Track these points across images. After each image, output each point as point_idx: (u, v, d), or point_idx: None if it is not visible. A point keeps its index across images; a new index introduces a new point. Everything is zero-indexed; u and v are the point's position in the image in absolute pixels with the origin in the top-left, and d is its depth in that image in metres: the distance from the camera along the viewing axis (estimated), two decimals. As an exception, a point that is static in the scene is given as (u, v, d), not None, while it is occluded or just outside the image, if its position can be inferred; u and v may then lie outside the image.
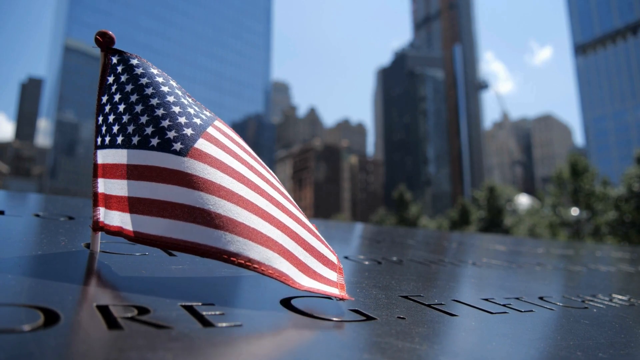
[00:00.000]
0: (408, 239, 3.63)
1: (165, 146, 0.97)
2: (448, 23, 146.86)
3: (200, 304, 0.82)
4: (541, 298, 1.43)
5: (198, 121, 1.05)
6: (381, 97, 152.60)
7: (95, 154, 1.07)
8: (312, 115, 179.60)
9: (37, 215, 1.92)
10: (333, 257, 1.15)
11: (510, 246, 4.33)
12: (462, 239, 5.16)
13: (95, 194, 1.07)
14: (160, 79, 1.08)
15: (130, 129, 1.01)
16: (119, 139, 1.02)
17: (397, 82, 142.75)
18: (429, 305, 1.09)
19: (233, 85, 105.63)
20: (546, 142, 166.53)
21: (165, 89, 1.06)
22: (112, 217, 1.05)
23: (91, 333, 0.62)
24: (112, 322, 0.66)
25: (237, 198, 0.97)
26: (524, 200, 46.36)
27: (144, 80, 1.05)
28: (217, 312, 0.78)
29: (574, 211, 28.99)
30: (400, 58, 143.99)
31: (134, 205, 0.99)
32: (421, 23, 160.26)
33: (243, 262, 0.89)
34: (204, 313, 0.76)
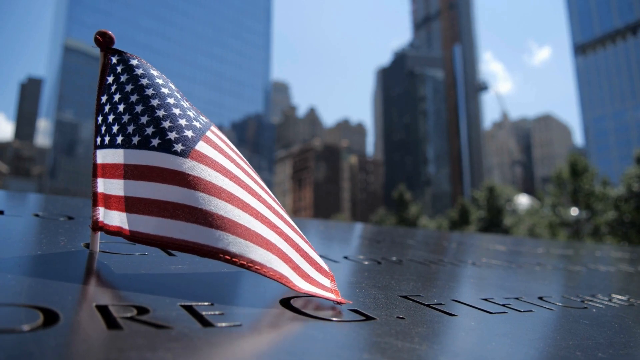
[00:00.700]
0: (408, 239, 3.63)
1: (166, 147, 0.98)
2: (448, 23, 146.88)
3: (199, 304, 0.82)
4: (541, 298, 1.43)
5: (198, 124, 1.06)
6: (381, 97, 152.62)
7: (94, 154, 1.07)
8: (312, 115, 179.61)
9: (37, 215, 1.92)
10: (324, 265, 1.16)
11: (510, 246, 4.33)
12: (462, 239, 5.16)
13: (95, 194, 1.07)
14: (160, 81, 1.08)
15: (131, 129, 1.01)
16: (119, 139, 1.02)
17: (397, 82, 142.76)
18: (428, 305, 1.09)
19: (233, 85, 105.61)
20: (546, 142, 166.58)
21: (165, 90, 1.06)
22: (111, 217, 1.05)
23: (91, 333, 0.62)
24: (111, 322, 0.66)
25: (238, 201, 0.97)
26: (523, 200, 46.37)
27: (144, 81, 1.05)
28: (217, 312, 0.78)
29: (574, 211, 29.00)
30: (400, 58, 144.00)
31: (133, 205, 0.99)
32: (421, 23, 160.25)
33: (245, 263, 0.90)
34: (204, 313, 0.76)
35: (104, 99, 1.07)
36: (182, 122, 1.02)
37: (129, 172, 1.00)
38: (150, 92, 1.04)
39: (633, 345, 1.02)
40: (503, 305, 1.23)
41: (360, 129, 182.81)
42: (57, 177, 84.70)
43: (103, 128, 1.06)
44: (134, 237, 0.99)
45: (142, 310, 0.73)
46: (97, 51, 1.08)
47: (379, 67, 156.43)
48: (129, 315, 0.70)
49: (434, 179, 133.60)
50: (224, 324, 0.73)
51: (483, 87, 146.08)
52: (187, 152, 0.98)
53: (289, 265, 0.98)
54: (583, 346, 0.92)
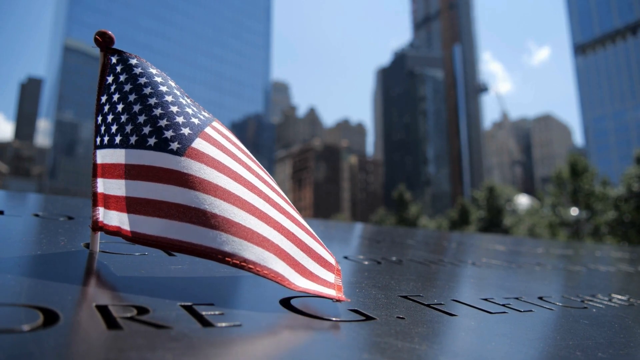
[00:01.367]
0: (408, 239, 3.63)
1: (162, 146, 0.97)
2: (448, 23, 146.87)
3: (199, 304, 0.82)
4: (541, 298, 1.43)
5: (196, 121, 1.05)
6: (381, 97, 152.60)
7: (94, 154, 1.07)
8: (312, 115, 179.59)
9: (37, 215, 1.92)
10: (331, 259, 1.15)
11: (510, 246, 4.33)
12: (462, 239, 5.16)
13: (95, 194, 1.07)
14: (158, 79, 1.08)
15: (128, 128, 1.01)
16: (117, 139, 1.02)
17: (396, 82, 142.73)
18: (428, 305, 1.09)
19: (233, 85, 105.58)
20: (546, 142, 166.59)
21: (163, 88, 1.06)
22: (110, 217, 1.05)
23: (91, 333, 0.62)
24: (111, 322, 0.66)
25: (234, 198, 0.96)
26: (523, 200, 46.39)
27: (142, 80, 1.05)
28: (217, 312, 0.78)
29: (574, 211, 29.00)
30: (400, 58, 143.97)
31: (131, 205, 0.99)
32: (421, 23, 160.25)
33: (238, 262, 0.89)
34: (204, 313, 0.76)
35: (103, 99, 1.07)
36: (180, 119, 1.02)
37: (127, 172, 1.00)
38: (148, 90, 1.04)
39: (633, 345, 1.02)
40: (503, 305, 1.23)
41: (360, 129, 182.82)
42: (57, 177, 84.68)
43: (102, 128, 1.06)
44: (132, 238, 0.99)
45: (142, 310, 0.73)
46: (97, 51, 1.08)
47: (379, 67, 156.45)
48: (128, 315, 0.70)
49: (434, 179, 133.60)
50: (224, 324, 0.72)
51: (483, 89, 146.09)
52: (183, 151, 0.97)
53: (286, 262, 0.97)
54: (583, 346, 0.92)
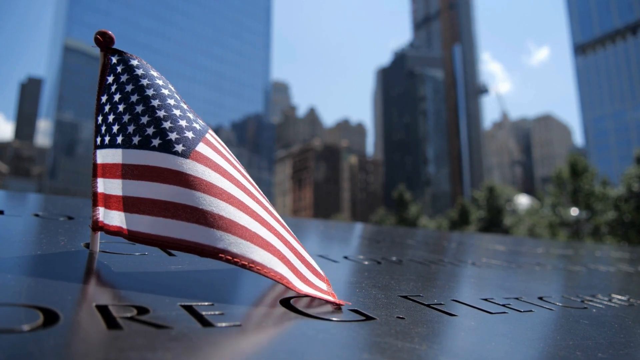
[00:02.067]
0: (407, 239, 3.63)
1: (167, 147, 0.98)
2: (448, 23, 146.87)
3: (199, 303, 0.82)
4: (540, 298, 1.43)
5: (197, 126, 1.06)
6: (381, 97, 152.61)
7: (94, 154, 1.07)
8: (312, 115, 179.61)
9: (37, 215, 1.92)
10: (319, 269, 1.16)
11: (510, 246, 4.33)
12: (462, 239, 5.16)
13: (95, 194, 1.07)
14: (160, 82, 1.08)
15: (131, 129, 1.01)
16: (119, 139, 1.02)
17: (396, 82, 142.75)
18: (428, 305, 1.09)
19: (233, 85, 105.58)
20: (546, 142, 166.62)
21: (165, 91, 1.07)
22: (111, 217, 1.05)
23: (91, 333, 0.62)
24: (111, 322, 0.66)
25: (238, 202, 0.98)
26: (523, 200, 46.38)
27: (144, 82, 1.05)
28: (217, 312, 0.78)
29: (574, 211, 29.00)
30: (400, 58, 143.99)
31: (134, 205, 0.99)
32: (421, 23, 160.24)
33: (246, 263, 0.91)
34: (204, 313, 0.76)
35: (104, 99, 1.07)
36: (183, 123, 1.03)
37: (130, 172, 1.00)
38: (150, 92, 1.04)
39: (633, 345, 1.02)
40: (503, 305, 1.23)
41: (360, 129, 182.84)
42: (57, 177, 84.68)
43: (103, 128, 1.06)
44: (134, 237, 0.99)
45: (142, 310, 0.73)
46: (97, 51, 1.08)
47: (379, 67, 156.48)
48: (129, 315, 0.70)
49: (434, 179, 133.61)
50: (224, 324, 0.72)
51: (483, 90, 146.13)
52: (188, 153, 0.98)
53: (288, 266, 0.99)
54: (583, 346, 0.92)
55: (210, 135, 1.09)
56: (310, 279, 1.06)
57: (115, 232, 1.03)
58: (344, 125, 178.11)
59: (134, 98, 1.03)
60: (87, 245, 1.23)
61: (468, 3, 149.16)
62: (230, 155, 1.14)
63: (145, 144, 0.99)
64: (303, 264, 1.08)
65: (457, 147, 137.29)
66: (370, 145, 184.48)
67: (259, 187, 1.17)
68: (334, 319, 0.86)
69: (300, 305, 0.93)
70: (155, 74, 1.09)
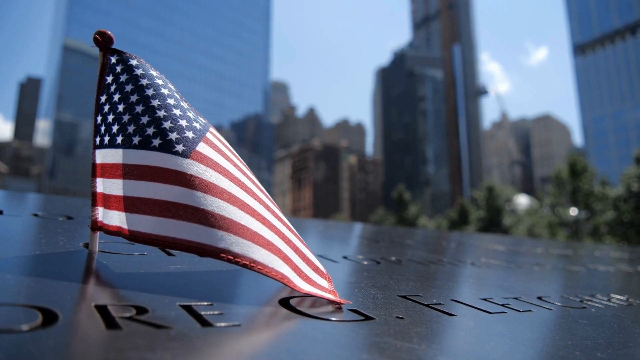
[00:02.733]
0: (407, 239, 3.63)
1: (167, 147, 0.98)
2: (447, 23, 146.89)
3: (198, 303, 0.82)
4: (540, 298, 1.43)
5: (197, 125, 1.06)
6: (380, 97, 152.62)
7: (94, 154, 1.07)
8: (312, 115, 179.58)
9: (36, 215, 1.91)
10: (321, 267, 1.16)
11: (509, 246, 4.33)
12: (461, 238, 5.17)
13: (94, 194, 1.07)
14: (160, 81, 1.08)
15: (131, 129, 1.01)
16: (119, 139, 1.02)
17: (396, 82, 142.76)
18: (427, 305, 1.09)
19: (232, 85, 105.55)
20: (545, 142, 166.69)
21: (165, 91, 1.06)
22: (111, 216, 1.05)
23: (90, 333, 0.62)
24: (110, 322, 0.66)
25: (239, 202, 0.98)
26: (523, 200, 46.40)
27: (144, 81, 1.05)
28: (216, 312, 0.78)
29: (573, 211, 29.01)
30: (400, 58, 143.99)
31: (134, 204, 0.99)
32: (420, 23, 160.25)
33: (247, 263, 0.91)
34: (203, 313, 0.76)
35: (103, 98, 1.07)
36: (183, 123, 1.03)
37: (130, 172, 1.00)
38: (150, 92, 1.04)
39: (632, 345, 1.02)
40: (502, 305, 1.23)
41: (359, 129, 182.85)
42: (56, 177, 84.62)
43: (102, 128, 1.06)
44: (134, 237, 0.99)
45: (141, 310, 0.73)
46: (96, 51, 1.08)
47: (379, 67, 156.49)
48: (128, 315, 0.70)
49: (433, 178, 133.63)
50: (223, 324, 0.73)
51: (483, 92, 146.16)
52: (188, 153, 0.98)
53: (289, 266, 0.99)
54: (582, 346, 0.92)
55: (211, 134, 1.09)
56: (312, 277, 1.06)
57: (115, 232, 1.03)
58: (343, 125, 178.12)
59: (133, 98, 1.03)
60: (86, 245, 1.23)
61: (467, 3, 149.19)
62: (232, 153, 1.14)
63: (145, 144, 0.99)
64: (305, 262, 1.08)
65: (456, 147, 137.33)
66: (370, 145, 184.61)
67: None
68: (333, 318, 0.86)
69: (300, 305, 0.93)
70: (154, 73, 1.09)
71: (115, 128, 1.03)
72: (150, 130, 1.00)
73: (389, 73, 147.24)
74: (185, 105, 1.10)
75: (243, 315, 0.81)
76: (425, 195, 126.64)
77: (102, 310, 0.71)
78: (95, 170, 1.07)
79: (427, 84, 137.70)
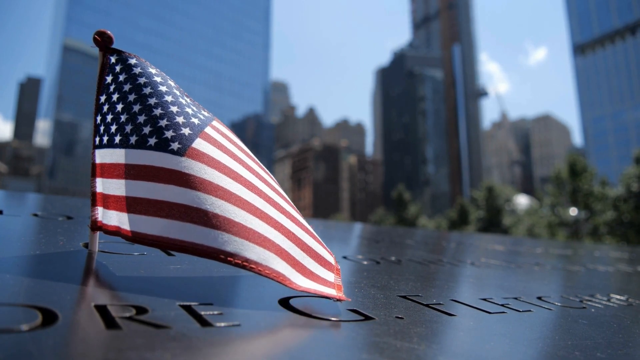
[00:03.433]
0: (407, 239, 3.63)
1: (163, 146, 0.97)
2: (447, 23, 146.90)
3: (198, 303, 0.82)
4: (539, 298, 1.43)
5: (196, 121, 1.05)
6: (380, 97, 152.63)
7: (93, 154, 1.07)
8: (311, 115, 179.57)
9: (36, 215, 1.91)
10: (330, 258, 1.15)
11: (509, 246, 4.33)
12: (461, 238, 5.17)
13: (94, 194, 1.07)
14: (158, 79, 1.08)
15: (128, 128, 1.01)
16: (117, 139, 1.02)
17: (396, 82, 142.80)
18: (427, 305, 1.09)
19: (232, 85, 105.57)
20: (545, 142, 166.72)
21: (163, 88, 1.06)
22: (110, 216, 1.05)
23: (89, 333, 0.62)
24: (110, 322, 0.66)
25: (235, 198, 0.96)
26: (522, 200, 46.42)
27: (141, 80, 1.05)
28: (216, 312, 0.78)
29: (573, 211, 29.02)
30: (400, 58, 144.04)
31: (131, 205, 0.99)
32: (420, 23, 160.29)
33: (240, 262, 0.89)
34: (203, 313, 0.76)
35: (102, 98, 1.07)
36: (180, 119, 1.02)
37: (127, 171, 1.00)
38: (147, 90, 1.04)
39: (632, 345, 1.02)
40: (502, 305, 1.23)
41: (359, 129, 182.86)
42: (56, 176, 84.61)
43: (102, 128, 1.06)
44: (132, 237, 0.99)
45: (140, 310, 0.73)
46: (96, 51, 1.08)
47: (379, 67, 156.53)
48: (127, 315, 0.70)
49: (433, 178, 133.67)
50: (222, 324, 0.72)
51: (483, 93, 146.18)
52: (184, 151, 0.97)
53: (287, 262, 0.97)
54: (582, 346, 0.92)
55: (212, 128, 1.07)
56: (315, 271, 1.04)
57: (114, 232, 1.03)
58: (343, 125, 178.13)
59: (131, 97, 1.03)
60: (86, 245, 1.23)
61: (467, 3, 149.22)
62: (236, 145, 1.11)
63: (141, 144, 0.99)
64: (309, 256, 1.05)
65: (456, 147, 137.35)
66: (370, 145, 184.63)
67: None
68: (332, 318, 0.86)
69: (300, 305, 0.93)
70: (153, 71, 1.09)
71: (113, 128, 1.03)
72: (147, 129, 0.99)
73: (388, 73, 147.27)
74: (184, 101, 1.08)
75: (243, 315, 0.81)
76: (425, 195, 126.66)
77: (102, 310, 0.71)
78: (95, 170, 1.07)
79: (427, 84, 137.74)
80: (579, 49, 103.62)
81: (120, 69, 1.07)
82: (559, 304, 1.38)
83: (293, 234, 1.05)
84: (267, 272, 0.91)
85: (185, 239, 0.91)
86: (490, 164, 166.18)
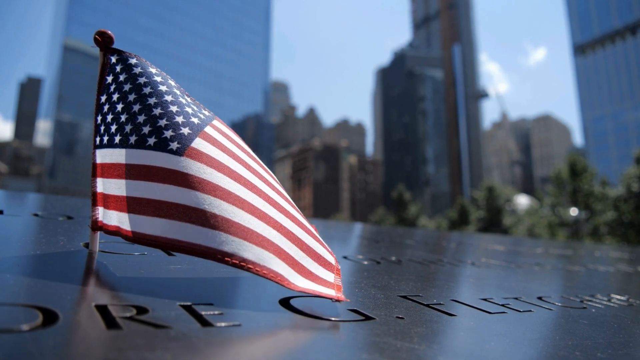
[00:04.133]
0: (407, 239, 3.63)
1: (162, 145, 0.97)
2: (447, 23, 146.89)
3: (199, 303, 0.82)
4: (540, 298, 1.43)
5: (196, 120, 1.05)
6: (380, 97, 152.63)
7: (94, 154, 1.07)
8: (312, 115, 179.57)
9: (36, 215, 1.91)
10: (331, 258, 1.15)
11: (509, 246, 4.33)
12: (461, 239, 5.17)
13: (94, 194, 1.07)
14: (158, 78, 1.07)
15: (128, 128, 1.01)
16: (117, 139, 1.02)
17: (396, 82, 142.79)
18: (427, 305, 1.09)
19: (232, 85, 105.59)
20: (545, 142, 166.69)
21: (163, 88, 1.06)
22: (110, 216, 1.05)
23: (90, 333, 0.62)
24: (110, 322, 0.66)
25: (234, 198, 0.96)
26: (523, 200, 46.43)
27: (141, 80, 1.05)
28: (216, 312, 0.78)
29: (573, 211, 29.02)
30: (400, 58, 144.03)
31: (130, 204, 0.99)
32: (420, 23, 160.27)
33: (237, 262, 0.89)
34: (203, 313, 0.76)
35: (103, 98, 1.07)
36: (179, 119, 1.02)
37: (127, 171, 1.00)
38: (147, 90, 1.04)
39: (632, 345, 1.02)
40: (502, 305, 1.23)
41: (359, 129, 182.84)
42: (56, 176, 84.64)
43: (102, 128, 1.06)
44: (132, 237, 0.98)
45: (141, 310, 0.73)
46: (96, 51, 1.08)
47: (379, 67, 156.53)
48: (128, 315, 0.70)
49: (433, 178, 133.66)
50: (223, 324, 0.72)
51: (484, 95, 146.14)
52: (183, 150, 0.97)
53: (286, 262, 0.96)
54: (582, 346, 0.92)
55: (213, 127, 1.07)
56: (314, 271, 1.03)
57: (114, 232, 1.03)
58: (343, 125, 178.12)
59: (131, 97, 1.03)
60: (87, 245, 1.23)
61: (467, 3, 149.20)
62: (236, 144, 1.11)
63: (141, 143, 0.99)
64: (308, 256, 1.05)
65: (456, 147, 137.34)
66: (370, 145, 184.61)
67: None
68: (333, 318, 0.86)
69: (300, 305, 0.93)
70: (153, 70, 1.09)
71: (113, 128, 1.03)
72: (146, 129, 0.99)
73: (389, 73, 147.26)
74: (184, 100, 1.08)
75: (243, 315, 0.81)
76: (425, 195, 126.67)
77: (103, 310, 0.71)
78: (96, 170, 1.07)
79: (427, 84, 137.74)
80: (579, 49, 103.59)
81: (121, 68, 1.07)
82: (560, 304, 1.38)
83: (293, 233, 1.04)
84: (265, 272, 0.90)
85: (183, 239, 0.91)
86: (491, 164, 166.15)
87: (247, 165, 1.07)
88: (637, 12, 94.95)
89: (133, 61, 1.08)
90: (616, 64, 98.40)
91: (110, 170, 1.04)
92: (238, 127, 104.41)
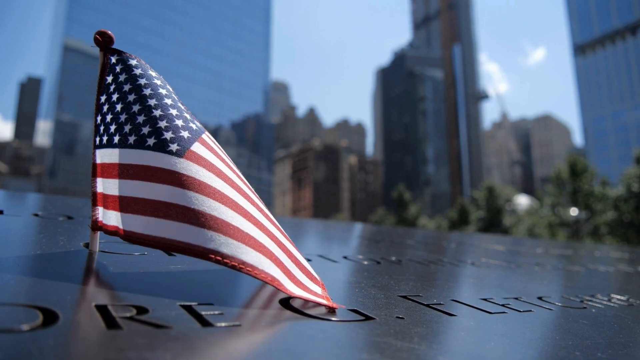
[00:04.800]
0: (407, 239, 3.63)
1: (162, 146, 0.97)
2: (447, 23, 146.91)
3: (199, 303, 0.82)
4: (540, 298, 1.43)
5: (194, 126, 1.06)
6: (380, 97, 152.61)
7: (94, 154, 1.07)
8: (312, 115, 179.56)
9: (36, 215, 1.91)
10: (314, 273, 1.14)
11: (509, 246, 4.33)
12: (461, 239, 5.17)
13: (94, 194, 1.07)
14: (158, 82, 1.08)
15: (127, 128, 1.01)
16: (116, 139, 1.02)
17: (396, 82, 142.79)
18: (427, 305, 1.09)
19: (232, 85, 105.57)
20: (545, 142, 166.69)
21: (163, 91, 1.06)
22: (109, 216, 1.05)
23: (90, 333, 0.62)
24: (110, 322, 0.66)
25: (231, 202, 0.97)
26: (523, 200, 46.43)
27: (142, 81, 1.05)
28: (216, 312, 0.78)
29: (573, 211, 29.00)
30: (400, 58, 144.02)
31: (129, 204, 0.99)
32: (420, 23, 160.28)
33: (236, 264, 0.89)
34: (203, 313, 0.76)
35: (102, 98, 1.07)
36: (179, 122, 1.02)
37: (125, 171, 1.00)
38: (147, 92, 1.04)
39: (632, 345, 1.02)
40: (502, 305, 1.23)
41: (359, 129, 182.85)
42: (56, 176, 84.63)
43: (102, 128, 1.06)
44: (129, 237, 0.98)
45: (141, 310, 0.73)
46: (96, 51, 1.08)
47: (379, 67, 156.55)
48: (128, 315, 0.70)
49: (434, 179, 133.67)
50: (223, 324, 0.72)
51: (484, 96, 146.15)
52: (183, 152, 0.97)
53: (280, 269, 0.97)
54: (582, 346, 0.92)
55: (207, 136, 1.09)
56: (304, 282, 1.04)
57: (113, 232, 1.03)
58: (343, 125, 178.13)
59: (131, 97, 1.03)
60: (87, 245, 1.23)
61: (467, 3, 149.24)
62: (226, 156, 1.13)
63: (140, 144, 0.99)
64: (297, 267, 1.05)
65: (456, 147, 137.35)
66: (370, 145, 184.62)
67: (259, 187, 1.15)
68: (333, 318, 0.86)
69: (300, 305, 0.93)
70: (153, 73, 1.09)
71: (113, 127, 1.03)
72: (146, 130, 0.99)
73: (389, 73, 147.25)
74: (182, 107, 1.10)
75: (243, 315, 0.81)
76: (425, 195, 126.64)
77: (103, 310, 0.71)
78: (96, 170, 1.07)
79: (427, 84, 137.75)
80: (580, 49, 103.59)
81: (121, 69, 1.07)
82: (560, 304, 1.38)
83: (283, 244, 1.05)
84: (262, 275, 0.91)
85: (182, 239, 0.91)
86: (491, 164, 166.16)
87: (239, 177, 1.10)
88: (637, 12, 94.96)
89: (133, 62, 1.08)
90: (616, 64, 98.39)
91: (110, 170, 1.04)
92: (238, 127, 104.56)
